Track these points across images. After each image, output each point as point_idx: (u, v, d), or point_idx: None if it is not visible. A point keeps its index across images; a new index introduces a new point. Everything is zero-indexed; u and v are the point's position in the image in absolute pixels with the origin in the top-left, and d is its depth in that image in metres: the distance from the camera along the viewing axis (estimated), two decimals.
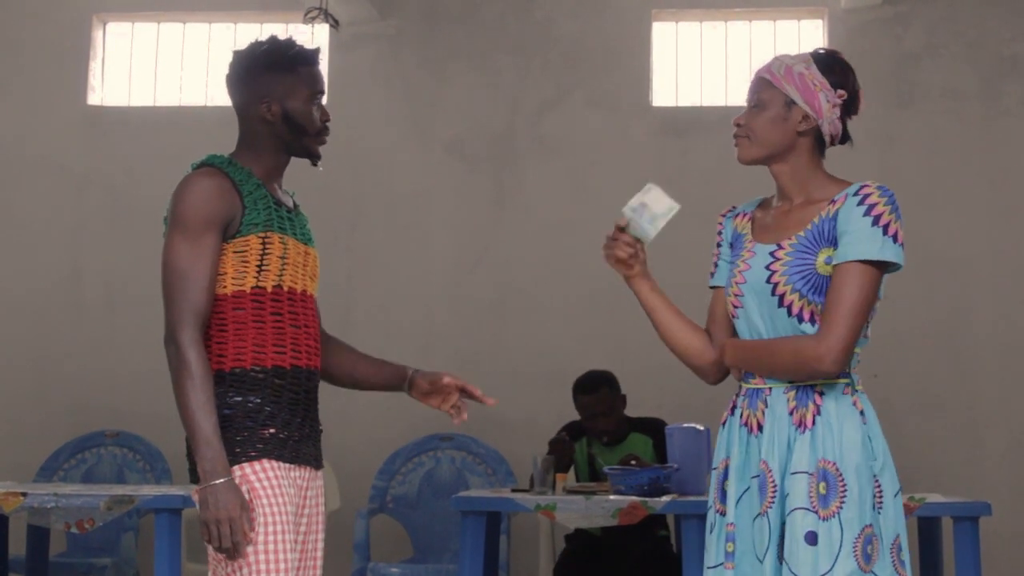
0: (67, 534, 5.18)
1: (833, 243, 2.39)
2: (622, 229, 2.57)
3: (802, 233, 2.44)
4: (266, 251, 2.52)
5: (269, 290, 2.52)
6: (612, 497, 4.27)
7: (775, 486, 2.39)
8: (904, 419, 5.80)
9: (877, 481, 2.37)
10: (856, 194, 2.40)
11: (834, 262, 2.38)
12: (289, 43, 2.62)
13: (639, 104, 6.28)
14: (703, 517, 4.26)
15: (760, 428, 2.44)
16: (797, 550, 2.32)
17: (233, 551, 2.39)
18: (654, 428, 4.93)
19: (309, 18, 5.88)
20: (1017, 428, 5.95)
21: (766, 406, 2.45)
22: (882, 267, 2.37)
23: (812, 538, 2.32)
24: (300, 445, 2.55)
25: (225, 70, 2.66)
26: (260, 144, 2.61)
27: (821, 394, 2.40)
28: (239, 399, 2.48)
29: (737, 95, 6.38)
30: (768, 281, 2.44)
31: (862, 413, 2.41)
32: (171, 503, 4.14)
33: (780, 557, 2.36)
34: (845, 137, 2.56)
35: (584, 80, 6.33)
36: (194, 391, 2.39)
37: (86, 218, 6.40)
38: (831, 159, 2.57)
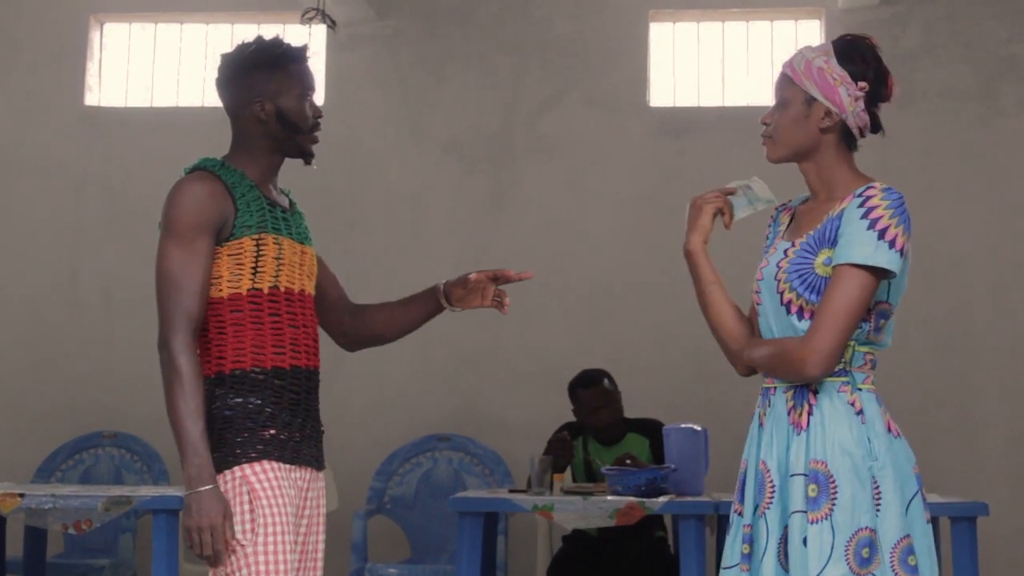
0: (65, 535, 5.17)
1: (834, 244, 2.35)
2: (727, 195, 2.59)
3: (812, 232, 2.41)
4: (260, 253, 2.52)
5: (266, 291, 2.52)
6: (610, 498, 4.26)
7: (773, 486, 2.38)
8: (901, 418, 5.70)
9: (876, 482, 2.32)
10: (860, 195, 2.35)
11: (831, 264, 2.35)
12: (277, 42, 2.63)
13: (636, 104, 6.28)
14: (701, 518, 4.30)
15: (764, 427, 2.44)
16: (795, 554, 2.31)
17: (214, 559, 2.39)
18: (651, 429, 4.93)
19: (306, 19, 5.87)
20: (1015, 428, 5.95)
21: (770, 405, 2.45)
22: (877, 272, 2.32)
23: (807, 541, 2.30)
24: (301, 446, 2.55)
25: (214, 74, 2.66)
26: (253, 145, 2.61)
27: (816, 393, 2.38)
28: (239, 400, 2.48)
29: (734, 95, 6.38)
30: (775, 278, 2.44)
31: (861, 412, 2.37)
32: (169, 504, 4.14)
33: (782, 562, 2.33)
34: (877, 127, 2.49)
35: (581, 80, 6.32)
36: (183, 397, 2.40)
37: (83, 219, 6.39)
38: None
